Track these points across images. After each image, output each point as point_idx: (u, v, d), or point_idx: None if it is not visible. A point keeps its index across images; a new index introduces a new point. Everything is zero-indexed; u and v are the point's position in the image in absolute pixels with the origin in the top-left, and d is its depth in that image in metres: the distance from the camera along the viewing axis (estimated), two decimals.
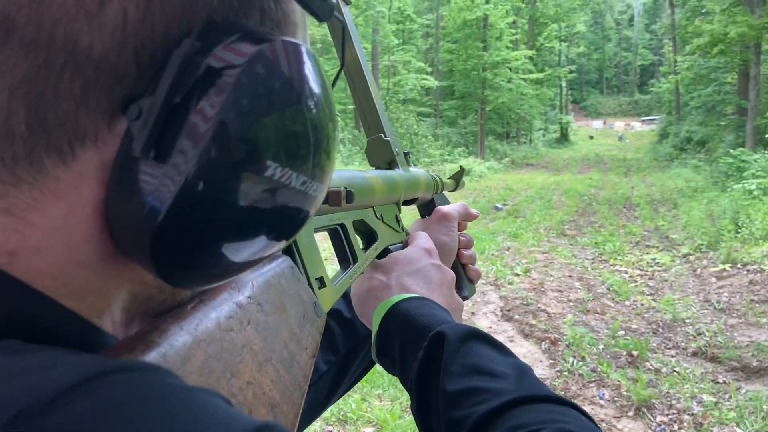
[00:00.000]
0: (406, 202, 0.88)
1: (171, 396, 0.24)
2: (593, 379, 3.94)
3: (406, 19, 28.47)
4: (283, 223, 0.33)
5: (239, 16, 0.32)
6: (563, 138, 35.48)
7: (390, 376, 3.15)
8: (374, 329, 0.65)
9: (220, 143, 0.27)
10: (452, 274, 0.77)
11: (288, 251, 0.51)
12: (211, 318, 0.34)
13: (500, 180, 17.04)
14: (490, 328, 4.87)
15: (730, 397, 3.62)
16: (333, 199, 0.51)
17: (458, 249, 0.90)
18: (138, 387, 0.24)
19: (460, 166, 1.10)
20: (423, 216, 0.94)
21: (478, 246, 7.73)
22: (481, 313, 5.26)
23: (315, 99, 0.32)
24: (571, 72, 39.45)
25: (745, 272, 6.10)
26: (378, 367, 1.05)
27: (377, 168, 0.84)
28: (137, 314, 0.34)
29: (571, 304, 5.52)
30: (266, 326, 0.39)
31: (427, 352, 0.56)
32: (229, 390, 0.34)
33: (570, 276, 6.51)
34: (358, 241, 0.68)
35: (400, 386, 2.65)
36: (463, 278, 0.92)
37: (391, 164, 0.84)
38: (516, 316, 5.11)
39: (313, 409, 0.75)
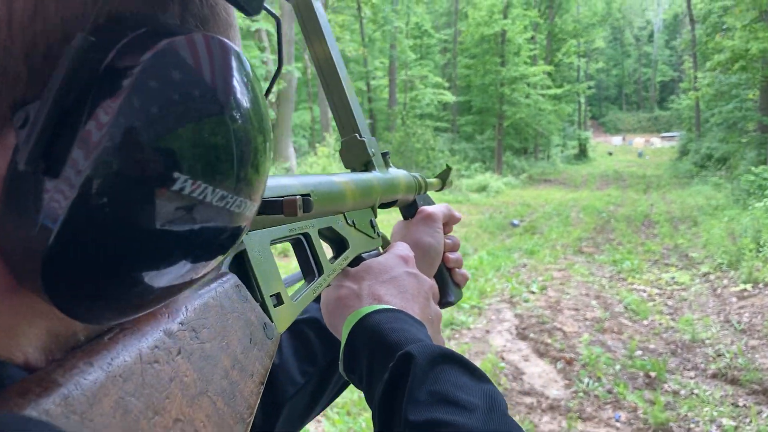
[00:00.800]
0: (385, 205, 0.84)
1: None
2: (609, 401, 3.84)
3: (424, 34, 28.61)
4: (205, 243, 0.30)
5: (153, 9, 0.29)
6: (582, 154, 35.19)
7: None
8: (343, 341, 0.61)
9: (116, 153, 0.24)
10: (430, 282, 0.72)
11: (238, 267, 0.47)
12: (131, 350, 0.31)
13: (517, 196, 16.91)
14: (505, 346, 4.79)
15: (751, 422, 3.50)
16: (288, 208, 0.46)
17: (444, 253, 0.86)
18: None
19: (447, 165, 1.06)
20: (406, 218, 0.90)
21: (493, 263, 7.65)
22: (496, 331, 5.18)
23: (237, 103, 0.29)
24: (589, 88, 39.20)
25: (767, 292, 5.96)
26: None
27: (353, 170, 0.80)
28: (60, 355, 0.30)
29: (588, 322, 5.41)
30: (201, 355, 0.35)
31: (393, 374, 0.52)
32: (151, 430, 0.30)
33: (587, 294, 6.39)
34: (324, 251, 0.63)
35: None
36: (449, 283, 0.87)
37: (367, 166, 0.80)
38: (531, 335, 5.02)
39: (290, 426, 0.71)
